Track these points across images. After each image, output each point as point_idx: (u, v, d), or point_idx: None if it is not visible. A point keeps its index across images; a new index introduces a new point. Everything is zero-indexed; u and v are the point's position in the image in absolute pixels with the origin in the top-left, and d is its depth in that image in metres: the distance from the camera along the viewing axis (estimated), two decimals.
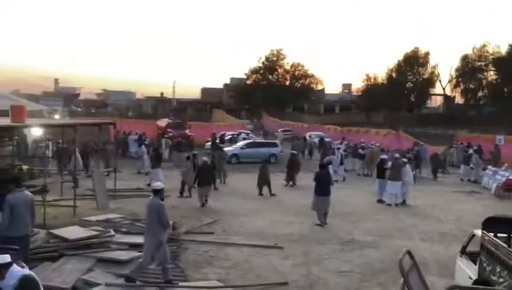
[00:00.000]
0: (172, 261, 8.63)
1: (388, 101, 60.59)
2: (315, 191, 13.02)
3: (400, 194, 15.82)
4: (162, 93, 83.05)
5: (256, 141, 31.28)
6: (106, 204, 13.53)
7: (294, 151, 22.08)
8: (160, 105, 74.11)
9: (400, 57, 65.71)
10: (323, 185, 12.98)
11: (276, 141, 31.47)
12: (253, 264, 9.35)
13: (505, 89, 51.32)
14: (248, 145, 28.35)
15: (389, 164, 16.30)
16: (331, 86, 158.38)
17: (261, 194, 16.98)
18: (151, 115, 57.67)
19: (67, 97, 66.67)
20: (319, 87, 74.98)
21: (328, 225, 12.71)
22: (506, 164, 24.01)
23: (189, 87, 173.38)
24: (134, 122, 39.47)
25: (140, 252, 8.84)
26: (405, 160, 17.25)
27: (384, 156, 18.22)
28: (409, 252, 3.68)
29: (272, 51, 71.73)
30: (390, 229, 12.51)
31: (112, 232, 9.85)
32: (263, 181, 17.21)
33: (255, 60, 76.19)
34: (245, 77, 73.04)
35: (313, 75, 72.57)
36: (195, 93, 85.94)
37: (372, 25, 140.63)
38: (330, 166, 16.93)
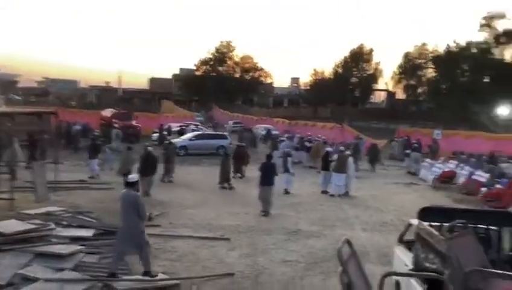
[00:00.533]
0: (116, 254, 8.44)
1: (334, 96, 62.18)
2: (260, 181, 13.37)
3: (344, 186, 16.35)
4: (107, 82, 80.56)
5: (205, 132, 31.12)
6: (46, 196, 13.00)
7: (241, 143, 22.22)
8: (105, 95, 71.79)
9: (346, 53, 67.54)
10: (267, 176, 13.32)
11: (225, 133, 31.45)
12: (199, 256, 9.35)
13: (443, 86, 54.03)
14: (197, 137, 28.15)
15: (335, 156, 16.76)
16: (280, 80, 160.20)
17: (223, 187, 16.93)
18: (96, 105, 55.76)
19: (4, 85, 63.03)
20: (268, 80, 75.70)
21: (274, 216, 12.93)
22: (442, 157, 25.42)
23: (137, 76, 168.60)
24: (77, 112, 38.05)
25: (82, 245, 8.58)
26: (349, 152, 17.83)
27: (329, 149, 18.72)
28: (348, 242, 3.82)
29: (221, 42, 71.51)
30: (334, 219, 12.90)
31: (52, 226, 9.50)
32: (225, 174, 17.15)
33: (205, 51, 75.61)
34: (195, 68, 72.34)
35: (262, 68, 73.17)
36: (142, 83, 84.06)
37: (321, 21, 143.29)
38: (289, 158, 17.13)
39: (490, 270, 4.15)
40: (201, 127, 36.20)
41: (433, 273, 5.45)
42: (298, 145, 25.72)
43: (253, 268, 8.82)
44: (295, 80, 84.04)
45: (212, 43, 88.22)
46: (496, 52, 54.46)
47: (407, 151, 25.49)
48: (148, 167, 14.89)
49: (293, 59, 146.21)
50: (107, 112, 36.71)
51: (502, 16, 52.85)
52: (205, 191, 16.35)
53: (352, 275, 3.40)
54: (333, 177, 16.32)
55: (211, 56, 71.17)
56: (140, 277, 7.82)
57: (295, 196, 15.95)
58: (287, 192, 16.24)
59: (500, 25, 53.53)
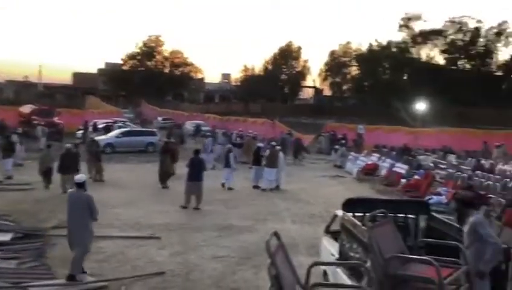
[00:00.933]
0: (36, 258, 8.02)
1: (265, 92, 63.08)
2: (187, 176, 13.43)
3: (275, 180, 16.67)
4: (26, 77, 75.61)
5: (133, 129, 30.26)
6: None
7: (168, 140, 21.89)
8: (24, 90, 67.33)
9: (275, 50, 68.70)
10: (194, 171, 13.33)
11: (154, 130, 30.77)
12: (128, 256, 9.10)
13: (366, 83, 56.79)
14: (124, 134, 27.29)
15: (266, 151, 17.02)
16: (211, 76, 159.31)
17: (164, 187, 16.44)
18: (13, 101, 52.14)
19: None
20: (199, 76, 75.07)
21: (205, 212, 12.90)
22: (366, 151, 26.71)
23: (59, 70, 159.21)
24: None
25: None
26: (279, 147, 18.20)
27: (260, 145, 18.97)
28: (276, 234, 3.91)
29: (150, 36, 69.75)
30: (265, 213, 13.11)
31: None
32: (165, 173, 16.65)
33: (132, 46, 73.33)
34: (121, 62, 69.96)
35: (192, 64, 72.38)
36: (65, 78, 79.88)
37: (251, 17, 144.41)
38: (231, 154, 17.05)
39: (407, 256, 4.44)
40: (129, 124, 35.17)
41: (357, 262, 5.72)
42: (235, 141, 25.76)
43: (184, 266, 8.74)
44: (226, 76, 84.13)
45: (140, 38, 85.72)
46: (414, 51, 58.12)
47: (336, 147, 26.43)
48: (67, 165, 14.28)
49: (223, 55, 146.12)
50: (26, 109, 34.54)
51: (418, 18, 56.49)
52: (133, 189, 15.90)
53: (280, 267, 3.48)
54: (265, 172, 16.59)
55: (139, 50, 69.20)
56: (63, 281, 7.46)
57: (227, 191, 16.00)
58: (229, 188, 16.33)
59: (417, 26, 57.19)
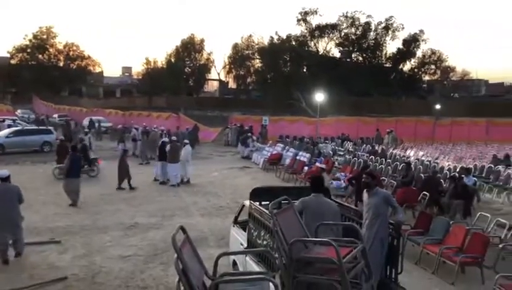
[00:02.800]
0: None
1: (169, 85, 61.88)
2: (65, 173, 13.34)
3: (180, 174, 16.53)
4: None
5: (25, 128, 27.93)
6: None
7: (64, 138, 20.70)
8: None
9: (178, 43, 67.56)
10: (72, 168, 13.14)
11: (50, 128, 28.69)
12: (26, 264, 8.47)
13: (268, 76, 58.14)
14: (15, 133, 25.13)
15: (168, 146, 16.78)
16: (111, 69, 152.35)
17: (121, 188, 15.41)
18: None
19: None
20: (97, 69, 71.40)
21: (110, 212, 12.42)
22: (270, 141, 27.51)
23: None
24: None
25: None
26: (186, 141, 18.04)
27: (165, 140, 18.62)
28: (182, 228, 3.90)
29: (40, 28, 64.67)
30: (173, 208, 12.95)
31: None
32: (124, 173, 15.56)
33: (20, 37, 67.44)
34: (8, 55, 64.07)
35: (89, 57, 68.57)
36: None
37: (150, 9, 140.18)
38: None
39: (309, 239, 4.69)
40: (20, 122, 32.47)
41: (261, 249, 5.91)
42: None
43: (88, 269, 8.35)
44: (127, 69, 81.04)
45: (30, 29, 79.08)
46: (312, 44, 60.72)
47: (248, 139, 26.76)
48: None
49: (124, 48, 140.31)
50: None
51: (314, 12, 59.00)
52: (28, 192, 14.71)
53: (187, 261, 3.48)
54: (168, 167, 16.38)
55: (28, 43, 63.87)
56: None
57: (132, 189, 15.52)
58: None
59: (314, 20, 59.72)
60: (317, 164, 18.84)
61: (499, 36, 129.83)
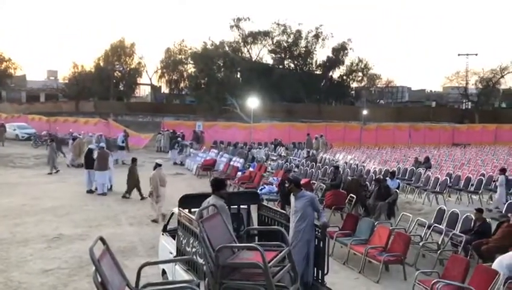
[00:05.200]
0: None
1: (97, 90, 59.62)
2: None
3: (107, 183, 15.97)
4: None
5: None
6: None
7: None
8: None
9: (107, 47, 65.35)
10: None
11: None
12: None
13: (202, 81, 57.85)
14: None
15: (95, 153, 16.14)
16: (35, 73, 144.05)
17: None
18: None
19: None
20: (19, 72, 67.21)
21: (31, 223, 11.67)
22: (204, 147, 27.34)
23: None
24: None
25: None
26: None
27: (92, 146, 17.89)
28: (101, 239, 3.73)
29: None
30: (101, 218, 12.44)
31: None
32: (133, 182, 14.94)
33: None
34: None
35: (10, 59, 64.39)
36: None
37: (78, 13, 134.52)
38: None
39: (235, 245, 4.68)
40: None
41: (186, 257, 5.81)
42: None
43: (6, 286, 7.77)
44: (53, 73, 76.94)
45: None
46: (245, 50, 61.31)
47: (182, 145, 26.38)
48: None
49: (49, 51, 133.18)
50: None
51: (247, 19, 59.65)
52: None
53: (107, 273, 3.34)
54: (96, 175, 15.74)
55: None
56: None
57: (56, 198, 14.71)
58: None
59: (247, 27, 60.37)
60: (251, 169, 19.03)
61: (420, 45, 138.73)
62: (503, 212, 11.70)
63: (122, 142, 25.16)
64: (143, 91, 78.08)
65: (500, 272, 6.86)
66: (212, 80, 54.81)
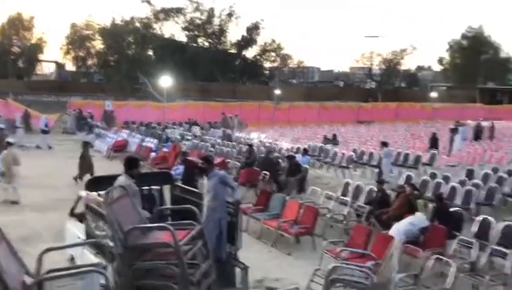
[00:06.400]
0: None
1: None
2: None
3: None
4: None
5: None
6: None
7: None
8: None
9: (4, 20, 59.69)
10: None
11: None
12: None
13: (111, 58, 55.15)
14: None
15: None
16: None
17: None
18: None
19: None
20: None
21: None
22: (115, 127, 26.30)
23: None
24: None
25: None
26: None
27: None
28: None
29: None
30: None
31: None
32: (87, 167, 14.04)
33: None
34: None
35: None
36: None
37: None
38: None
39: (145, 225, 4.60)
40: None
41: (91, 240, 5.64)
42: None
43: None
44: None
45: None
46: (157, 27, 59.34)
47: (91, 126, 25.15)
48: None
49: None
50: None
51: None
52: None
53: (2, 262, 3.13)
54: None
55: None
56: None
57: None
58: None
59: (158, 3, 58.42)
60: (165, 150, 18.69)
61: (329, 27, 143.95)
62: (401, 183, 12.71)
63: (46, 125, 23.47)
64: (47, 69, 72.72)
65: (396, 238, 7.52)
66: (122, 58, 52.50)
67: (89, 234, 6.44)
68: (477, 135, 25.67)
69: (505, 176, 12.66)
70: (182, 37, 62.39)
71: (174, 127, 28.59)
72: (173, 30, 61.00)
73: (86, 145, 15.17)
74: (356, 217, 10.35)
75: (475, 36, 64.63)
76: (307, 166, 14.44)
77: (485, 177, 12.78)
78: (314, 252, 8.69)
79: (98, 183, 6.84)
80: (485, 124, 28.19)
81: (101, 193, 6.64)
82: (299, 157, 14.76)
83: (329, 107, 42.15)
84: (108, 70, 53.62)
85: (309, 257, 8.42)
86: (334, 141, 22.28)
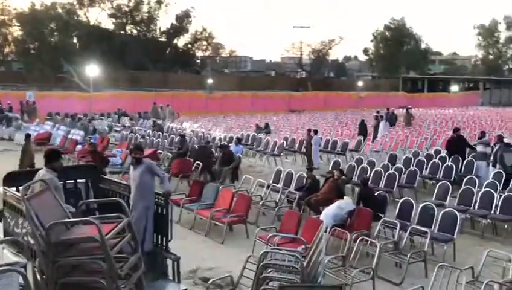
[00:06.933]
0: None
1: None
2: None
3: None
4: None
5: None
6: None
7: None
8: None
9: None
10: None
11: None
12: None
13: (31, 46, 51.79)
14: None
15: None
16: None
17: None
18: None
19: None
20: None
21: None
22: (37, 119, 24.82)
23: None
24: None
25: None
26: None
27: None
28: None
29: None
30: None
31: None
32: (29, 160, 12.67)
33: None
34: None
35: None
36: None
37: None
38: None
39: (68, 220, 4.40)
40: None
41: (8, 238, 5.33)
42: None
43: None
44: None
45: None
46: (81, 14, 56.45)
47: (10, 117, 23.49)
48: None
49: None
50: None
51: None
52: None
53: None
54: None
55: None
56: None
57: None
58: None
59: None
60: (92, 141, 17.94)
61: (261, 16, 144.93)
62: (329, 169, 13.18)
63: None
64: None
65: (325, 221, 7.80)
66: (43, 45, 49.47)
67: (7, 232, 6.06)
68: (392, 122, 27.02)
69: (424, 160, 13.52)
70: (108, 24, 60.01)
71: (102, 118, 27.51)
72: (100, 17, 58.47)
73: (28, 137, 14.25)
74: (288, 204, 10.60)
75: (397, 28, 68.05)
76: (240, 155, 14.53)
77: (406, 162, 13.56)
78: (248, 240, 8.79)
79: (17, 178, 6.43)
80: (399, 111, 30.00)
81: (21, 188, 6.29)
82: (232, 146, 14.81)
83: (262, 96, 42.62)
84: (29, 59, 50.31)
85: (242, 245, 8.51)
86: (266, 129, 22.58)
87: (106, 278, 3.95)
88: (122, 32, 59.70)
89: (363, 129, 20.91)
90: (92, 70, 30.94)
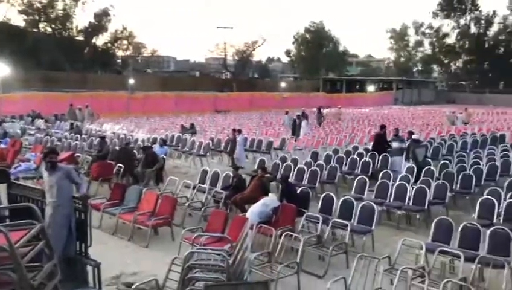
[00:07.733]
0: None
1: None
2: None
3: None
4: None
5: None
6: None
7: None
8: None
9: None
10: None
11: None
12: None
13: None
14: None
15: None
16: None
17: None
18: None
19: None
20: None
21: None
22: None
23: None
24: None
25: None
26: None
27: None
28: None
29: None
30: None
31: None
32: None
33: None
34: None
35: None
36: None
37: None
38: None
39: None
40: None
41: None
42: None
43: None
44: None
45: None
46: None
47: None
48: None
49: None
50: None
51: None
52: None
53: None
54: None
55: None
56: None
57: None
58: None
59: None
60: (2, 146, 16.65)
61: (184, 16, 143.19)
62: (255, 168, 13.32)
63: None
64: None
65: (251, 219, 7.86)
66: None
67: None
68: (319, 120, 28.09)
69: (344, 156, 14.12)
70: (19, 21, 56.08)
71: (14, 120, 25.63)
72: (9, 14, 54.44)
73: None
74: (214, 203, 10.55)
75: (317, 30, 70.60)
76: (164, 156, 14.22)
77: (327, 159, 14.08)
78: (173, 242, 8.62)
79: None
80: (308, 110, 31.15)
81: None
82: (156, 148, 14.46)
83: (186, 96, 42.11)
84: None
85: (168, 247, 8.32)
86: (192, 130, 22.34)
87: (17, 289, 3.67)
88: (35, 30, 56.08)
89: (295, 129, 21.61)
90: (2, 70, 28.69)
